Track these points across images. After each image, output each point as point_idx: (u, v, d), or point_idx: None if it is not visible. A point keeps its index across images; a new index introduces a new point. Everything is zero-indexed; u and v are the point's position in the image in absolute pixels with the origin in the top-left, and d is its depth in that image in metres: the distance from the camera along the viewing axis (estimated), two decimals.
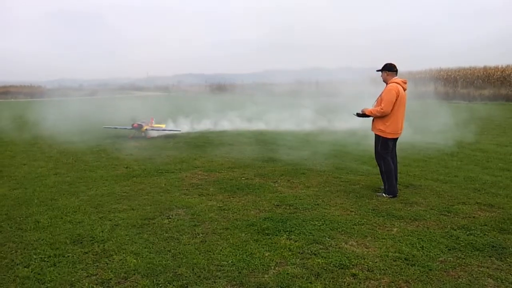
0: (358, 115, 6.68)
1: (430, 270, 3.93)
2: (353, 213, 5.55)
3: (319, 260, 4.12)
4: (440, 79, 39.43)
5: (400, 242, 4.56)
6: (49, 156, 10.14)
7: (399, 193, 6.38)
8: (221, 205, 5.92)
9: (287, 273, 3.86)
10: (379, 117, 6.37)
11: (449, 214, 5.47)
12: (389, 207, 5.75)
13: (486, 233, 4.79)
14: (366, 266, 4.00)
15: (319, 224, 5.09)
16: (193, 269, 3.97)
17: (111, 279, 3.82)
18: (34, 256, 4.30)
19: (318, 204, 5.90)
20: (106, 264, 4.10)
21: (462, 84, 37.60)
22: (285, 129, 15.24)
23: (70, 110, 23.71)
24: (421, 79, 40.17)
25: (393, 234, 4.80)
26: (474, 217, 5.36)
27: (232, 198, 6.29)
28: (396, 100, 6.18)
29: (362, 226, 5.04)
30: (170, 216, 5.47)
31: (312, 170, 8.07)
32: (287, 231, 4.90)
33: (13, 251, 4.43)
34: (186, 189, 6.82)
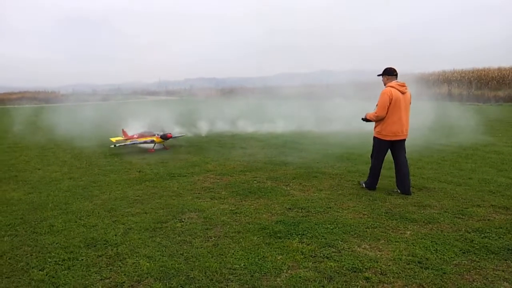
0: (363, 119, 6.93)
1: (444, 273, 3.88)
2: (365, 216, 5.51)
3: (331, 264, 4.10)
4: (453, 80, 39.03)
5: (414, 245, 4.52)
6: (63, 160, 10.26)
7: (412, 196, 6.37)
8: (233, 209, 5.93)
9: (300, 277, 3.85)
10: (378, 121, 6.62)
11: (463, 217, 5.40)
12: (402, 210, 5.70)
13: (502, 236, 4.73)
14: (379, 270, 3.97)
15: (331, 227, 5.07)
16: (205, 273, 3.98)
17: (124, 282, 3.85)
18: (49, 259, 4.36)
19: (330, 207, 5.88)
20: (119, 268, 4.13)
21: (476, 85, 37.15)
22: (296, 130, 15.21)
23: (84, 115, 23.97)
24: (434, 80, 39.88)
25: (406, 237, 4.76)
26: (489, 219, 5.29)
27: (244, 202, 6.30)
28: (390, 103, 6.39)
29: (375, 229, 5.01)
30: (183, 220, 5.49)
31: (324, 173, 8.04)
32: (299, 234, 4.89)
33: (28, 255, 4.49)
34: (198, 193, 6.84)
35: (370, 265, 4.07)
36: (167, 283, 3.80)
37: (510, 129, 14.77)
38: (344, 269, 4.00)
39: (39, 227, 5.32)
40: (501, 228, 4.97)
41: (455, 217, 5.42)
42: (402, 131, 6.58)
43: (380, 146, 6.73)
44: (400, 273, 3.91)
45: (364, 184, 6.97)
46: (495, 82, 36.45)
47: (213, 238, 4.84)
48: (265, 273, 3.96)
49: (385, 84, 6.67)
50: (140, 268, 4.10)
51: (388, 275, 3.86)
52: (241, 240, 4.77)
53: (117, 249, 4.56)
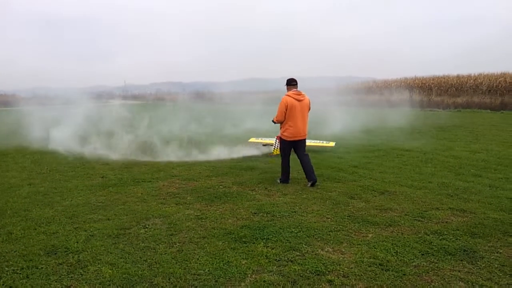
0: (273, 121, 7.98)
1: (404, 275, 4.00)
2: (329, 219, 5.61)
3: (295, 267, 4.15)
4: (415, 87, 40.22)
5: (375, 248, 4.64)
6: (23, 166, 9.95)
7: (374, 199, 6.53)
8: (198, 214, 5.91)
9: (264, 281, 3.88)
10: (280, 123, 7.78)
11: (422, 220, 5.58)
12: (365, 213, 5.83)
13: (458, 238, 4.91)
14: (342, 272, 4.05)
15: (296, 231, 5.13)
16: (169, 279, 3.95)
17: None
18: (6, 268, 4.22)
19: (295, 212, 5.95)
20: (81, 275, 4.04)
21: (436, 92, 38.43)
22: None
23: (45, 119, 23.28)
24: (396, 87, 40.95)
25: (368, 240, 4.87)
26: (447, 222, 5.48)
27: (209, 207, 6.29)
28: (286, 109, 7.48)
29: (338, 233, 5.11)
30: (147, 226, 5.43)
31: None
32: (265, 238, 4.92)
33: None
34: (163, 198, 6.78)
35: (333, 268, 4.15)
36: None
37: (467, 135, 15.33)
38: (308, 272, 4.06)
39: None
40: (458, 230, 5.15)
41: (415, 220, 5.58)
42: (299, 133, 7.63)
43: (284, 145, 7.81)
44: (362, 275, 3.99)
45: (279, 180, 7.87)
46: (454, 89, 37.77)
47: (178, 244, 4.81)
48: (229, 278, 3.96)
49: (286, 92, 7.72)
50: (103, 275, 4.03)
51: (350, 278, 3.94)
52: (206, 245, 4.76)
53: (79, 257, 4.46)
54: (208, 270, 4.12)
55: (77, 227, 5.39)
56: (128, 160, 10.44)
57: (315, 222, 5.48)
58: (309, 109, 7.80)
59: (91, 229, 5.29)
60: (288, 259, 4.36)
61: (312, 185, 7.46)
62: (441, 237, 4.95)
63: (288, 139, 7.66)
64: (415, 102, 34.24)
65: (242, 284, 3.85)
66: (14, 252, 4.62)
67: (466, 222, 5.45)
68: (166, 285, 3.83)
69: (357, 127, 16.59)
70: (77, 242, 4.86)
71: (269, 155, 11.17)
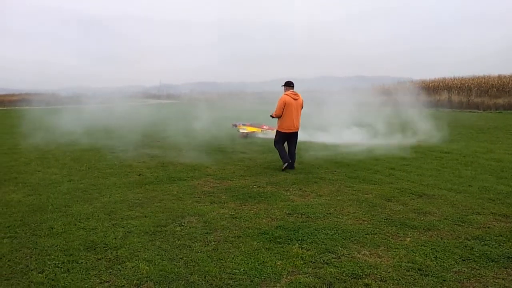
0: (271, 116, 9.40)
1: (444, 280, 3.88)
2: (365, 222, 5.52)
3: (331, 270, 4.10)
4: (453, 87, 39.11)
5: (414, 252, 4.52)
6: (63, 163, 10.26)
7: (411, 202, 6.39)
8: (233, 213, 5.93)
9: (299, 282, 3.85)
10: (277, 118, 9.17)
11: (463, 224, 5.40)
12: (402, 217, 5.70)
13: (502, 244, 4.73)
14: (379, 276, 3.97)
15: (331, 233, 5.07)
16: (205, 277, 3.97)
17: (123, 286, 3.84)
18: (48, 262, 4.35)
19: (330, 213, 5.88)
20: (119, 271, 4.13)
21: (476, 93, 37.23)
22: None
23: (84, 118, 23.99)
24: (434, 88, 39.95)
25: (406, 244, 4.76)
26: (489, 227, 5.29)
27: (244, 206, 6.30)
28: (284, 106, 8.93)
29: (375, 236, 5.01)
30: (182, 224, 5.49)
31: (324, 179, 8.05)
32: (299, 239, 4.88)
33: (28, 257, 4.49)
34: (198, 197, 6.85)
35: (370, 271, 4.07)
36: (167, 287, 3.79)
37: (510, 137, 14.78)
38: (344, 275, 4.00)
39: (38, 230, 5.32)
40: (501, 236, 4.97)
41: (455, 224, 5.42)
42: (293, 126, 9.10)
43: (280, 136, 9.25)
44: (400, 280, 3.90)
45: (284, 167, 9.02)
46: (495, 89, 36.51)
47: (213, 243, 4.84)
48: (264, 278, 3.95)
49: (284, 92, 9.18)
50: (140, 271, 4.10)
51: (388, 282, 3.86)
52: (241, 244, 4.76)
53: (117, 253, 4.56)
54: (243, 270, 4.12)
55: (115, 224, 5.51)
56: (163, 160, 10.60)
57: (351, 225, 5.40)
58: (302, 108, 9.29)
59: (128, 226, 5.40)
60: (323, 261, 4.31)
61: (287, 168, 8.99)
62: (483, 242, 4.78)
63: (284, 131, 9.13)
64: (453, 103, 33.30)
65: (278, 285, 3.83)
66: (56, 246, 4.76)
67: (509, 228, 5.24)
68: (202, 284, 3.86)
69: (388, 127, 16.27)
70: (115, 238, 4.96)
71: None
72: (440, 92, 38.22)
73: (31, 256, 4.52)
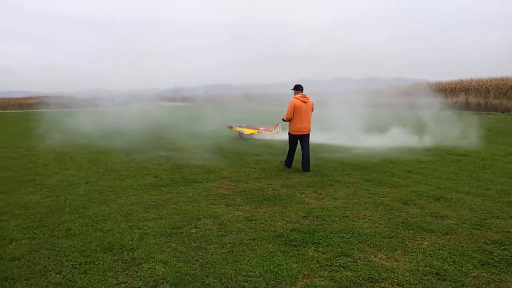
0: (283, 120, 9.72)
1: (463, 285, 3.83)
2: (382, 225, 5.47)
3: (347, 273, 4.06)
4: (471, 89, 38.55)
5: (431, 256, 4.47)
6: (80, 165, 10.38)
7: (429, 206, 6.32)
8: (248, 216, 5.93)
9: (315, 286, 3.83)
10: (288, 121, 9.44)
11: (481, 228, 5.32)
12: (419, 220, 5.64)
13: None
14: (396, 280, 3.92)
15: (347, 237, 5.04)
16: (220, 279, 3.98)
17: (140, 287, 3.87)
18: (66, 263, 4.40)
19: (346, 216, 5.84)
20: (135, 272, 4.16)
21: (494, 94, 36.64)
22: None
23: (100, 120, 24.24)
24: (451, 89, 39.46)
25: (423, 248, 4.70)
26: (508, 231, 5.20)
27: (259, 209, 6.29)
28: (294, 109, 9.16)
29: (392, 239, 4.96)
30: (198, 226, 5.51)
31: (340, 182, 8.00)
32: (315, 243, 4.86)
33: (46, 258, 4.55)
34: (213, 199, 6.86)
35: (387, 275, 4.03)
36: None
37: None
38: (361, 279, 3.96)
39: (56, 231, 5.39)
40: None
41: (473, 228, 5.33)
42: (305, 129, 9.31)
43: (292, 139, 9.47)
44: (417, 284, 3.86)
45: (283, 163, 9.66)
46: None
47: (228, 245, 4.84)
48: (280, 281, 3.94)
49: (294, 95, 9.41)
50: (156, 273, 4.12)
51: (405, 286, 3.82)
52: (256, 247, 4.76)
53: (133, 254, 4.59)
54: (258, 272, 4.12)
55: (131, 225, 5.55)
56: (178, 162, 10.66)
57: (367, 228, 5.35)
58: (312, 110, 9.49)
59: (144, 228, 5.44)
60: (339, 264, 4.28)
61: (305, 171, 9.11)
62: (502, 247, 4.70)
63: (295, 133, 9.36)
64: (471, 105, 32.84)
65: None
66: (73, 247, 4.81)
67: None
68: (218, 286, 3.86)
69: (404, 130, 16.12)
70: (132, 240, 5.00)
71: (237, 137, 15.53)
72: (457, 94, 37.72)
73: (49, 256, 4.57)
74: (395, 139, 14.20)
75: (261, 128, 16.59)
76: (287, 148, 9.67)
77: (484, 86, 38.17)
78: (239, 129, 16.31)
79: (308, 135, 9.43)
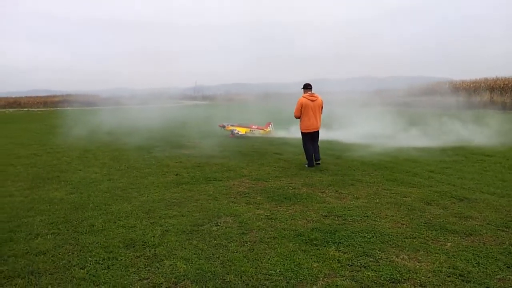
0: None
1: None
2: (404, 226, 5.40)
3: (369, 273, 4.03)
4: (496, 88, 37.72)
5: (455, 258, 4.39)
6: (103, 162, 10.54)
7: (452, 206, 6.21)
8: (268, 214, 5.93)
9: (336, 285, 3.80)
10: (297, 119, 9.84)
11: (507, 230, 5.20)
12: (443, 221, 5.55)
13: None
14: (419, 281, 3.87)
15: (369, 237, 4.99)
16: (241, 277, 3.99)
17: (162, 283, 3.90)
18: (90, 258, 4.48)
19: (367, 216, 5.79)
20: (157, 269, 4.20)
21: None
22: (336, 138, 15.05)
23: (122, 118, 24.58)
24: (475, 88, 38.70)
25: (446, 249, 4.63)
26: None
27: (279, 207, 6.29)
28: (302, 108, 9.52)
29: (414, 240, 4.89)
30: (219, 224, 5.53)
31: (361, 181, 7.93)
32: (336, 242, 4.83)
33: (70, 253, 4.63)
34: (234, 197, 6.89)
35: (409, 276, 3.98)
36: (204, 286, 3.83)
37: None
38: (382, 279, 3.92)
39: (80, 227, 5.49)
40: None
41: (499, 229, 5.22)
42: (313, 126, 9.60)
43: (304, 137, 9.76)
44: (440, 285, 3.79)
45: (306, 165, 9.64)
46: None
47: (249, 243, 4.85)
48: (301, 280, 3.93)
49: (303, 94, 9.75)
50: (177, 270, 4.16)
51: (427, 287, 3.76)
52: (277, 246, 4.75)
53: (155, 250, 4.64)
54: (279, 271, 4.11)
55: (153, 222, 5.62)
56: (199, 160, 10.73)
57: (389, 228, 5.29)
58: (322, 108, 9.79)
59: (166, 225, 5.49)
60: (361, 264, 4.25)
61: (317, 164, 9.62)
62: None
63: (305, 131, 9.68)
64: (496, 104, 32.16)
65: (314, 287, 3.80)
66: (96, 243, 4.89)
67: None
68: (238, 283, 3.87)
69: (430, 129, 15.88)
70: (154, 237, 5.06)
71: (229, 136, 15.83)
72: (482, 93, 36.97)
73: (73, 252, 4.66)
74: (416, 138, 14.01)
75: (253, 127, 16.79)
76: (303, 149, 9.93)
77: (509, 85, 37.31)
78: (231, 128, 16.54)
79: (317, 132, 9.80)
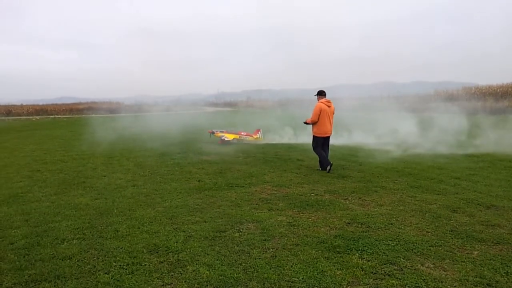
0: (304, 123, 10.49)
1: None
2: (429, 233, 5.30)
3: (393, 281, 3.97)
4: None
5: (482, 266, 4.29)
6: (127, 168, 10.69)
7: (479, 214, 6.08)
8: (290, 221, 5.91)
9: None
10: (313, 124, 10.16)
11: None
12: (469, 229, 5.43)
13: None
14: None
15: (393, 244, 4.92)
16: (264, 284, 3.98)
17: None
18: (114, 263, 4.54)
19: (391, 224, 5.71)
20: (180, 274, 4.23)
21: None
22: (359, 143, 14.93)
23: (146, 125, 24.89)
24: (503, 93, 37.88)
25: (473, 258, 4.53)
26: None
27: (301, 214, 6.26)
28: (320, 113, 9.90)
29: (440, 248, 4.81)
30: (241, 230, 5.54)
31: (385, 188, 7.83)
32: (359, 250, 4.78)
33: (95, 258, 4.71)
34: (256, 204, 6.89)
35: (435, 285, 3.91)
36: None
37: None
38: (407, 287, 3.86)
39: (105, 232, 5.57)
40: None
41: None
42: (328, 131, 10.09)
43: (317, 141, 10.14)
44: None
45: (320, 168, 10.02)
46: None
47: (271, 250, 4.84)
48: None
49: (318, 100, 10.18)
50: (200, 276, 4.18)
51: None
52: (299, 253, 4.73)
53: (178, 256, 4.67)
54: (302, 278, 4.09)
55: (176, 228, 5.66)
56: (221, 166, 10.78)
57: (413, 236, 5.21)
58: (333, 114, 10.26)
59: (189, 230, 5.53)
60: (385, 272, 4.19)
61: (330, 169, 9.73)
62: None
63: (320, 136, 10.07)
64: None
65: None
66: (121, 248, 4.96)
67: None
68: None
69: (455, 135, 15.59)
70: (177, 242, 5.10)
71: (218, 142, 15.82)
72: (510, 98, 36.16)
73: (98, 257, 4.73)
74: (442, 144, 13.78)
75: (242, 133, 16.83)
76: (315, 154, 10.39)
77: None
78: (220, 134, 16.55)
79: (329, 137, 10.29)
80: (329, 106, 10.01)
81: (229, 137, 16.30)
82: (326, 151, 10.19)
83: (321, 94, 10.27)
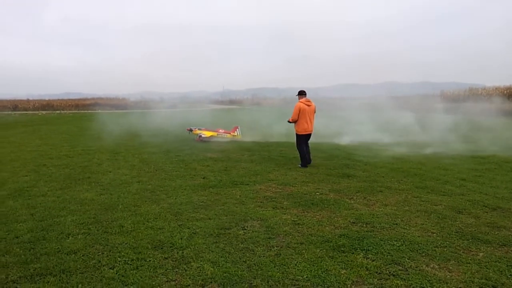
0: (288, 121, 10.89)
1: None
2: (434, 234, 5.28)
3: (398, 282, 3.96)
4: None
5: (487, 268, 4.27)
6: (132, 164, 10.71)
7: (485, 216, 6.04)
8: (295, 219, 5.91)
9: None
10: (294, 123, 10.65)
11: None
12: (474, 230, 5.41)
13: None
14: None
15: (398, 245, 4.91)
16: (268, 282, 3.98)
17: (189, 285, 3.94)
18: (119, 258, 4.56)
19: (396, 224, 5.69)
20: (184, 271, 4.24)
21: None
22: (360, 143, 14.90)
23: (151, 121, 24.96)
24: (510, 94, 37.67)
25: (479, 259, 4.51)
26: None
27: (306, 213, 6.25)
28: (299, 112, 10.39)
29: (445, 249, 4.79)
30: (245, 228, 5.54)
31: (390, 188, 7.81)
32: (364, 249, 4.77)
33: (100, 253, 4.72)
34: (261, 202, 6.88)
35: (439, 286, 3.89)
36: None
37: None
38: None
39: (110, 227, 5.59)
40: None
41: None
42: (308, 129, 10.51)
43: (300, 138, 10.60)
44: None
45: (300, 165, 10.45)
46: None
47: (276, 248, 4.84)
48: (328, 287, 3.90)
49: (298, 100, 10.61)
50: (205, 272, 4.18)
51: None
52: (304, 251, 4.73)
53: (183, 253, 4.68)
54: (306, 277, 4.09)
55: (181, 224, 5.67)
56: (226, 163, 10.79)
57: (419, 236, 5.19)
58: (315, 112, 10.71)
59: (193, 227, 5.54)
60: (390, 272, 4.18)
61: (303, 166, 10.32)
62: None
63: (301, 133, 10.53)
64: None
65: None
66: (125, 244, 4.97)
67: None
68: None
69: (459, 136, 15.52)
70: (181, 239, 5.11)
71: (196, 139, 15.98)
72: None
73: (103, 252, 4.75)
74: (448, 145, 13.72)
75: (220, 131, 16.88)
76: (297, 152, 10.84)
77: None
78: (198, 131, 16.62)
79: (310, 135, 10.73)
80: (308, 105, 10.46)
81: (206, 134, 16.39)
82: (308, 149, 10.64)
83: (301, 94, 10.73)
